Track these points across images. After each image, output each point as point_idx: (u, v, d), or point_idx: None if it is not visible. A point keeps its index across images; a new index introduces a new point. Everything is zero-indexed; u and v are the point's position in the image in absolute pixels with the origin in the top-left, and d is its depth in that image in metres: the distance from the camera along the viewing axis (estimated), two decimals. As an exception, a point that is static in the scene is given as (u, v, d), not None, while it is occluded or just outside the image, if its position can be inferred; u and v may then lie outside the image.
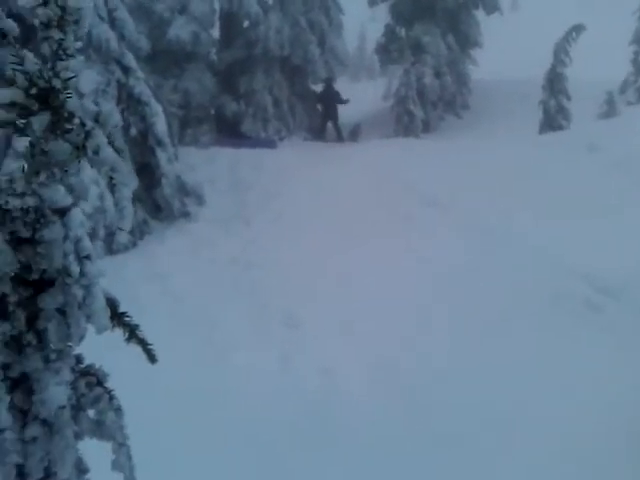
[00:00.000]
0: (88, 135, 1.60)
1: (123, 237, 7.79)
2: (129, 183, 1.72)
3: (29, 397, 1.64)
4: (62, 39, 1.56)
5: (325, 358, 5.42)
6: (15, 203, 1.61)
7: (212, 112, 15.14)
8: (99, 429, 1.84)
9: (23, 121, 1.59)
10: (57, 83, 1.58)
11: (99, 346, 2.23)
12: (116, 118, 1.74)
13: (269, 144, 13.42)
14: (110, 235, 7.80)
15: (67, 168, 1.66)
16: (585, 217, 7.63)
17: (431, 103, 16.45)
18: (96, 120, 1.65)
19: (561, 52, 13.56)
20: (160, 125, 8.68)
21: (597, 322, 5.73)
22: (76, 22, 1.56)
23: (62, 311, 1.67)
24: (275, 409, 4.74)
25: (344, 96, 15.47)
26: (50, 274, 1.67)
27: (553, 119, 13.71)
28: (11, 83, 1.57)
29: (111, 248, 7.83)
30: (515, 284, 6.41)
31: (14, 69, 1.56)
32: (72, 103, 1.62)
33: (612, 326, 5.63)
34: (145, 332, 2.07)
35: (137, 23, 10.94)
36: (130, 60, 8.68)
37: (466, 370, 5.09)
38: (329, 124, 15.54)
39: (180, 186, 9.11)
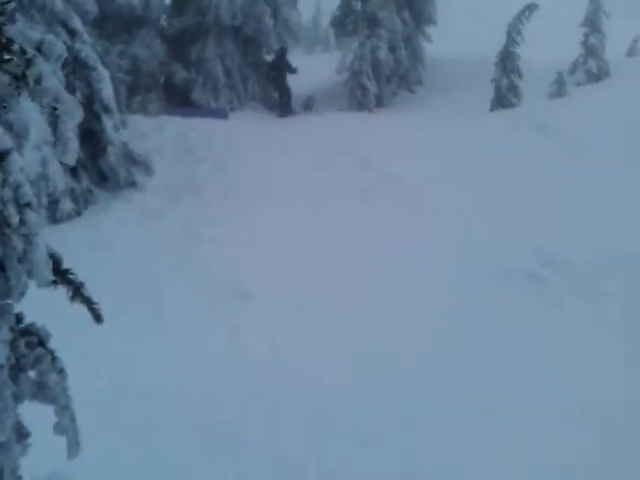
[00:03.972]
0: (29, 63, 1.46)
1: (66, 204, 7.51)
2: (74, 114, 1.56)
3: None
4: None
5: (276, 331, 5.36)
6: None
7: (161, 80, 14.71)
8: (41, 391, 1.74)
9: None
10: None
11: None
12: (61, 48, 1.61)
13: (220, 114, 13.12)
14: (53, 203, 7.52)
15: (6, 104, 1.52)
16: (532, 194, 7.77)
17: (385, 78, 16.34)
18: (38, 49, 1.51)
19: (514, 31, 13.63)
20: (107, 91, 8.36)
21: (542, 294, 5.88)
22: None
23: (0, 265, 1.56)
24: (224, 379, 4.67)
25: (295, 66, 14.68)
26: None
27: (504, 97, 13.82)
28: None
29: (55, 217, 7.55)
30: (464, 258, 6.48)
31: None
32: (10, 29, 1.47)
33: (556, 298, 5.78)
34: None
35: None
36: (76, 23, 8.31)
37: (416, 345, 5.11)
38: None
39: (127, 154, 8.84)
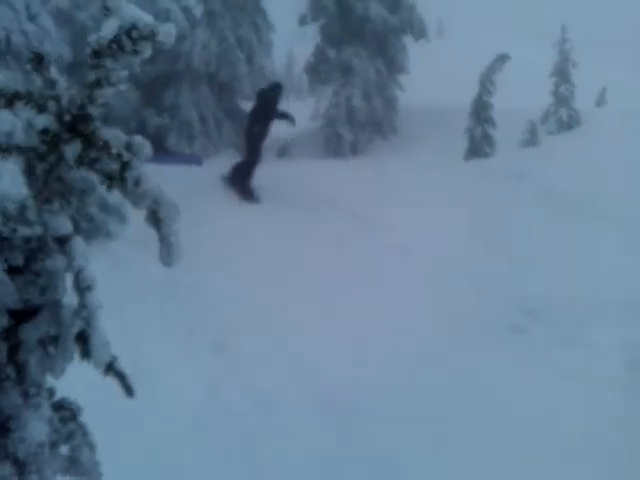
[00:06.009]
0: (126, 166, 1.51)
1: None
2: (175, 217, 1.61)
3: (3, 436, 1.52)
4: (114, 69, 1.48)
5: (256, 385, 5.14)
6: (24, 232, 1.49)
7: (134, 126, 14.61)
8: (73, 467, 1.73)
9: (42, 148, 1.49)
10: (92, 110, 1.52)
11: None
12: (148, 148, 1.68)
13: (195, 161, 13.03)
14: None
15: (86, 198, 1.61)
16: (509, 241, 7.78)
17: (360, 125, 16.51)
18: (127, 149, 1.56)
19: (487, 81, 13.91)
20: (80, 137, 8.21)
21: (521, 343, 5.78)
22: (135, 52, 1.45)
23: (43, 342, 1.59)
24: (204, 439, 4.42)
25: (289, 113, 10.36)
26: (34, 303, 1.57)
27: (478, 147, 14.02)
28: (42, 109, 1.49)
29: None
30: (445, 308, 6.37)
31: (43, 93, 1.51)
32: (106, 132, 1.54)
33: (535, 346, 5.69)
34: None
35: (58, 31, 10.46)
36: (53, 70, 8.20)
37: (400, 397, 4.94)
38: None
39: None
